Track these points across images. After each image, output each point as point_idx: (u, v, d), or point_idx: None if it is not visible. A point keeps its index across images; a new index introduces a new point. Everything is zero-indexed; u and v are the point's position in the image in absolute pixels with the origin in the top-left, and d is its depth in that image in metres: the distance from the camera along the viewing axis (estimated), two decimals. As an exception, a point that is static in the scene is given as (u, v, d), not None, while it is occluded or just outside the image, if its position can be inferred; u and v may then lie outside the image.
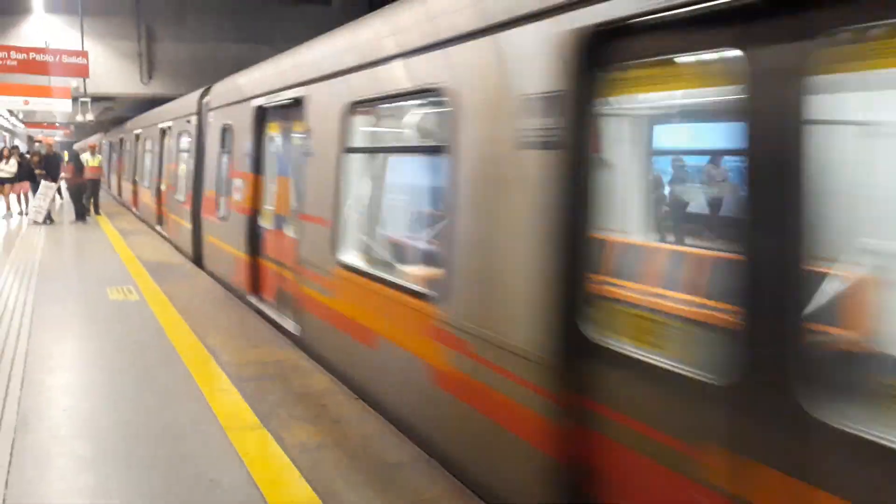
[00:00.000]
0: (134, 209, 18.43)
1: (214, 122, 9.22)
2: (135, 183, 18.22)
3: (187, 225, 10.62)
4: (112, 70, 23.01)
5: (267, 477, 3.54)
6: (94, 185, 17.31)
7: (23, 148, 31.03)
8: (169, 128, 12.82)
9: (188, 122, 10.86)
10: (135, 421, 4.29)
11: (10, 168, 16.81)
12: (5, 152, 17.18)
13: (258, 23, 23.62)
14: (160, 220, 13.77)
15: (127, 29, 23.40)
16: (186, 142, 11.16)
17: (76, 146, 26.16)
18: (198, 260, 10.09)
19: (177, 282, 8.63)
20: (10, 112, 27.73)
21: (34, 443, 3.95)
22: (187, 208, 10.64)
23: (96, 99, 24.53)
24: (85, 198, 16.35)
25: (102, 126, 34.93)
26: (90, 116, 24.61)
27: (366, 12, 5.35)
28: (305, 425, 4.20)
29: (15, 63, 15.01)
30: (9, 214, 16.77)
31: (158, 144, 13.79)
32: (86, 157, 16.97)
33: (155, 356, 5.60)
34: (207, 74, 12.91)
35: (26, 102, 19.18)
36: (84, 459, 3.75)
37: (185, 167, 11.21)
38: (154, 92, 23.10)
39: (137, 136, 17.61)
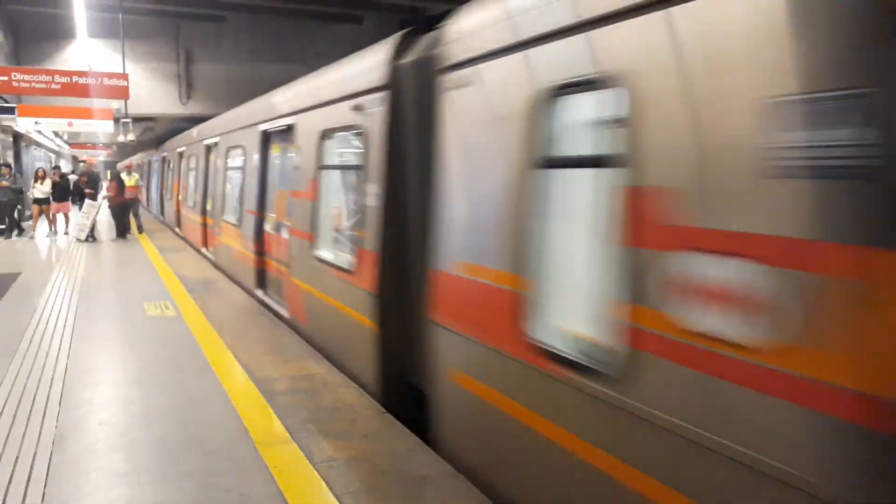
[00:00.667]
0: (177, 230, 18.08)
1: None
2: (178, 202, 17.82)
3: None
4: (152, 91, 23.62)
5: (296, 491, 3.56)
6: (132, 204, 17.53)
7: (66, 168, 31.89)
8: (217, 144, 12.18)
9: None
10: (168, 435, 4.35)
11: (44, 188, 16.99)
12: (40, 172, 17.38)
13: (292, 43, 24.06)
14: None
15: (166, 51, 24.04)
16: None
17: (119, 165, 26.78)
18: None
19: (212, 297, 8.77)
20: (56, 133, 28.58)
21: (71, 457, 4.03)
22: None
23: (137, 119, 25.18)
24: (126, 217, 16.74)
25: (143, 146, 35.83)
26: (131, 136, 25.25)
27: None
28: (335, 440, 4.22)
29: (59, 86, 15.49)
30: (52, 233, 17.18)
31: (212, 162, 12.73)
32: (123, 177, 17.37)
33: (189, 371, 5.68)
34: (244, 94, 13.15)
35: (70, 124, 19.74)
36: (118, 473, 3.82)
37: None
38: (192, 112, 23.64)
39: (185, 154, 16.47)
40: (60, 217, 17.66)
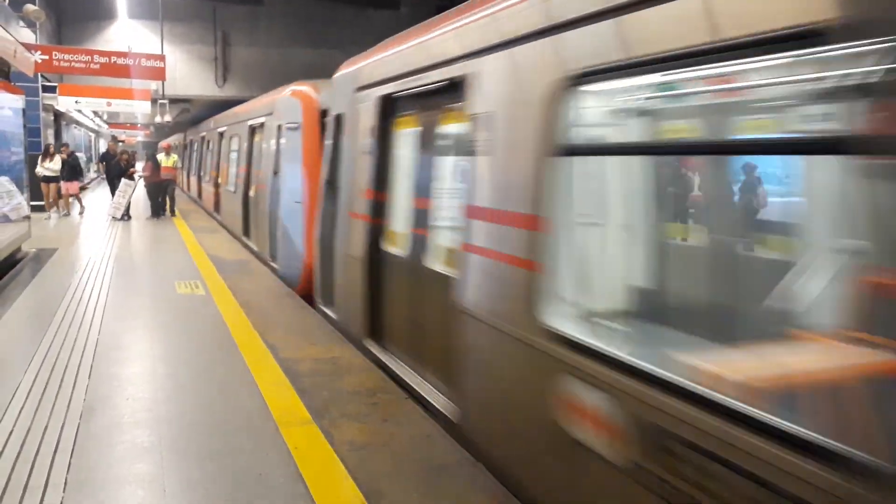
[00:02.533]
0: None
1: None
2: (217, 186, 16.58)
3: None
4: (189, 73, 23.93)
5: (314, 473, 3.58)
6: (168, 185, 17.24)
7: (104, 147, 32.32)
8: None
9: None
10: (192, 412, 4.41)
11: (53, 166, 16.26)
12: (51, 149, 16.71)
13: (328, 28, 24.15)
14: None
15: (204, 34, 24.32)
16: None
17: (160, 145, 26.83)
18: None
19: (241, 278, 8.86)
20: (95, 113, 29.11)
21: (98, 429, 4.11)
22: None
23: (174, 101, 25.55)
24: (161, 197, 16.96)
25: (179, 127, 36.34)
26: (168, 118, 25.63)
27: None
28: (355, 423, 4.24)
29: (98, 66, 15.76)
30: (66, 214, 16.68)
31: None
32: (161, 157, 17.51)
33: (216, 350, 5.75)
34: (279, 78, 13.22)
35: (109, 104, 20.10)
36: (142, 448, 3.88)
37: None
38: (227, 94, 23.90)
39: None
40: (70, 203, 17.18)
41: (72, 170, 17.02)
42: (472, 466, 3.70)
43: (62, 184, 16.72)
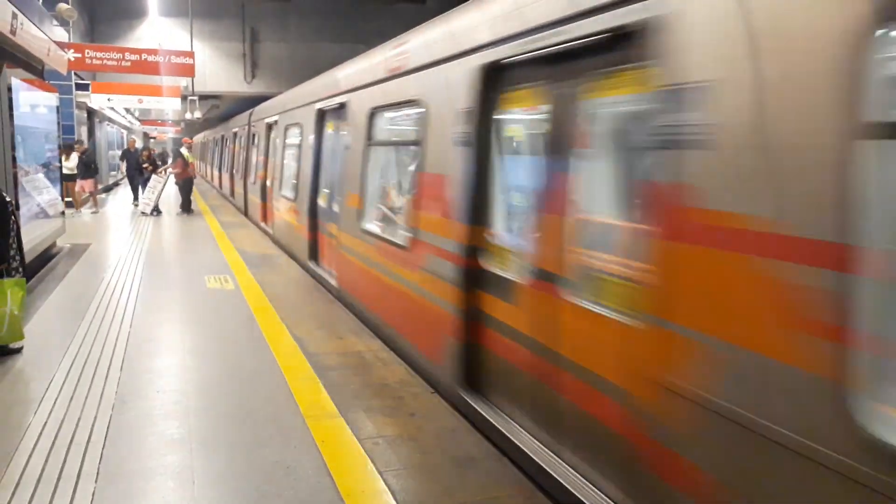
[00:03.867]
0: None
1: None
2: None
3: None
4: (218, 70, 24.14)
5: (340, 466, 3.60)
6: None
7: (139, 143, 32.75)
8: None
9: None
10: (222, 405, 4.46)
11: (69, 164, 16.15)
12: (75, 147, 16.83)
13: (356, 23, 24.19)
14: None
15: (233, 31, 24.51)
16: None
17: (197, 137, 26.72)
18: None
19: (270, 273, 8.94)
20: (127, 110, 29.55)
21: (129, 421, 4.18)
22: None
23: (203, 97, 25.83)
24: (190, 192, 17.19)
25: (210, 122, 36.73)
26: (198, 114, 25.92)
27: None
28: (381, 417, 4.25)
29: (129, 64, 15.98)
30: (77, 213, 16.38)
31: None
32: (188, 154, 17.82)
33: (245, 343, 5.81)
34: (307, 74, 13.29)
35: (140, 101, 20.38)
36: (172, 440, 3.93)
37: None
38: (256, 91, 24.08)
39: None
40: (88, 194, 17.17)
41: (86, 167, 17.06)
42: (498, 460, 3.69)
43: (77, 182, 16.84)
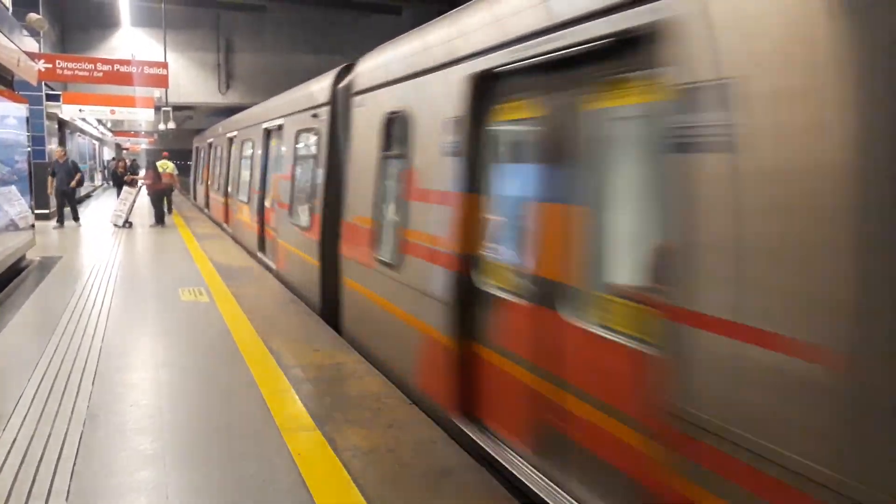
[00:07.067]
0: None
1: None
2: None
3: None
4: (192, 80, 24.01)
5: (317, 480, 3.56)
6: (168, 191, 17.95)
7: (109, 155, 32.24)
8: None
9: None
10: (196, 419, 4.40)
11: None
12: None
13: (331, 34, 24.24)
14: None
15: (207, 41, 24.41)
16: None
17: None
18: None
19: (245, 284, 8.86)
20: (99, 121, 29.21)
21: (101, 436, 4.10)
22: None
23: (177, 108, 25.62)
24: (163, 203, 17.05)
25: (185, 134, 36.41)
26: (172, 125, 25.69)
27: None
28: (359, 429, 4.22)
29: (101, 74, 15.82)
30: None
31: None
32: (161, 164, 17.72)
33: (220, 356, 5.75)
34: (282, 84, 13.27)
35: (113, 112, 20.18)
36: (145, 455, 3.87)
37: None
38: (231, 101, 23.98)
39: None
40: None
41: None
42: (477, 471, 3.68)
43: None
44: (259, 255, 11.00)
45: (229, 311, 7.37)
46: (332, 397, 4.78)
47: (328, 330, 6.63)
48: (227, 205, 15.31)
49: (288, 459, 3.79)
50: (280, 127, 9.76)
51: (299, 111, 8.65)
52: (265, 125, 10.84)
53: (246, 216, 12.41)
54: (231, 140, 14.76)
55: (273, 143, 10.54)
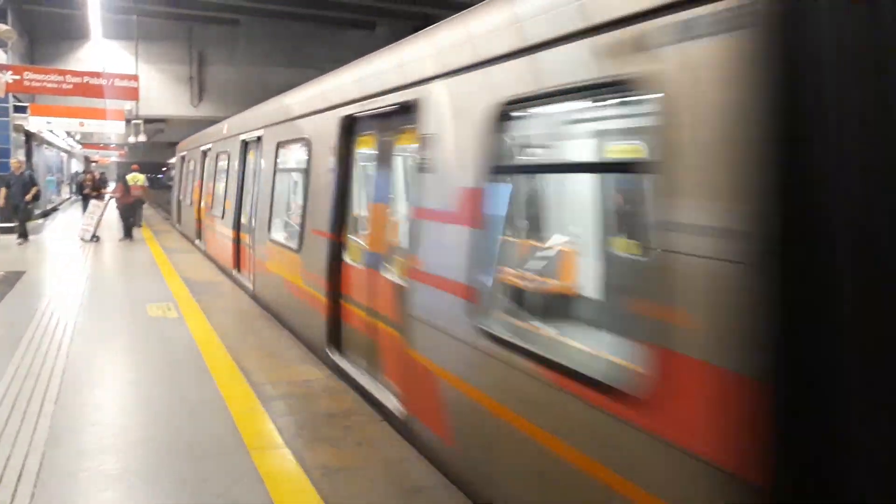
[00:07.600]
0: None
1: None
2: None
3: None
4: (164, 93, 23.78)
5: (286, 500, 3.51)
6: (138, 204, 17.84)
7: (77, 167, 31.69)
8: None
9: None
10: (161, 438, 4.32)
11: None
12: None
13: (305, 48, 24.19)
14: None
15: (179, 54, 24.23)
16: None
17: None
18: None
19: (215, 300, 8.75)
20: (68, 133, 28.81)
21: (63, 457, 4.00)
22: None
23: (149, 121, 25.36)
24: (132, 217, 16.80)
25: (156, 147, 36.02)
26: (142, 138, 25.41)
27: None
28: (328, 447, 4.18)
29: (70, 86, 15.61)
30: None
31: None
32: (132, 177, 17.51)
33: (187, 374, 5.65)
34: (255, 97, 13.20)
35: (82, 124, 19.92)
36: (109, 476, 3.79)
37: None
38: (203, 114, 23.79)
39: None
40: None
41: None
42: (447, 489, 3.66)
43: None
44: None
45: (198, 326, 7.26)
46: (302, 414, 4.72)
47: (299, 346, 6.56)
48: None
49: (256, 479, 3.73)
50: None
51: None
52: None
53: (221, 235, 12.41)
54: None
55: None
